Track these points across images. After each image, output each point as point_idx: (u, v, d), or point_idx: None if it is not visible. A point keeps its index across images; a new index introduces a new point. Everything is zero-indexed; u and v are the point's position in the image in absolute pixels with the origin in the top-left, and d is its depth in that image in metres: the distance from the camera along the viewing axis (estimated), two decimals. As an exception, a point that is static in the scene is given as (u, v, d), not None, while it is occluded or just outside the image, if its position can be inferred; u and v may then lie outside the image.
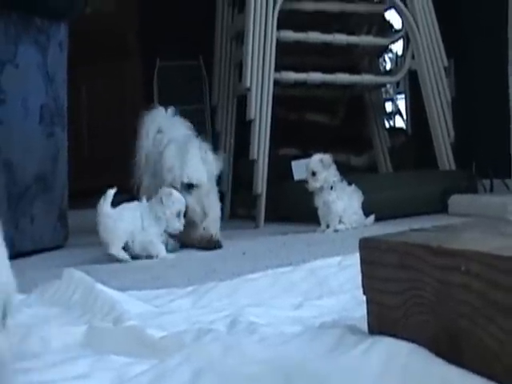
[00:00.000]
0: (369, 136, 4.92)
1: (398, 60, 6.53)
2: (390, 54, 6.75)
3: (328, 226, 3.41)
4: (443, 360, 0.93)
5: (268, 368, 1.01)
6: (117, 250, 2.84)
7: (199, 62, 5.60)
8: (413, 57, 4.26)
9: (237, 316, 1.41)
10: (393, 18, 4.97)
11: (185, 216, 2.96)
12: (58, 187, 3.40)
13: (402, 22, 4.34)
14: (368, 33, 4.58)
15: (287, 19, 3.97)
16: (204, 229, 3.14)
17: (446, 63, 4.25)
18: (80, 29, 3.82)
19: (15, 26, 3.09)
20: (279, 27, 3.91)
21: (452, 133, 4.23)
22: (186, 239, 3.15)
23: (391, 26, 5.02)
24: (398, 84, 5.94)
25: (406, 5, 4.17)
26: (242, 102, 4.15)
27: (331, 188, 3.37)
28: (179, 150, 3.09)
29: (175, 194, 2.94)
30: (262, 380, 0.99)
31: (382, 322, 1.10)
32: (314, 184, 3.36)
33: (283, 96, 4.21)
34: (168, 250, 2.96)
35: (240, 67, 4.16)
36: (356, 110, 4.97)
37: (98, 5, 5.97)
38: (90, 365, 1.19)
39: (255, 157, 3.88)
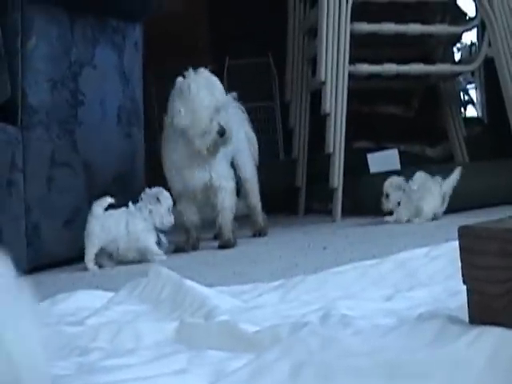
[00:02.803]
0: (443, 126, 4.84)
1: (470, 49, 6.43)
2: (459, 44, 6.65)
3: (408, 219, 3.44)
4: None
5: (370, 361, 0.99)
6: (87, 259, 2.84)
7: (269, 59, 5.58)
8: (489, 44, 4.18)
9: (328, 309, 1.39)
10: (466, 5, 4.88)
11: None
12: (135, 187, 3.42)
13: (477, 9, 4.24)
14: (442, 21, 4.51)
15: (361, 11, 3.93)
16: None
17: (523, 49, 4.15)
18: (151, 30, 3.83)
19: (92, 28, 3.13)
20: (353, 19, 3.88)
21: (531, 120, 4.13)
22: None
23: (464, 13, 4.93)
24: (472, 73, 5.84)
25: (481, -9, 4.09)
26: (316, 96, 4.13)
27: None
28: None
29: (164, 191, 2.97)
30: (365, 373, 0.97)
31: (483, 312, 1.06)
32: (387, 205, 3.49)
33: (356, 89, 4.17)
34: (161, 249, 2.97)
35: (313, 62, 4.14)
36: (430, 100, 4.90)
37: (168, 6, 5.99)
38: (186, 360, 1.18)
39: (331, 150, 3.85)
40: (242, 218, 3.49)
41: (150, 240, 2.93)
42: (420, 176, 3.50)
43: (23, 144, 2.90)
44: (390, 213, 3.50)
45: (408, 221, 3.45)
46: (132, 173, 3.37)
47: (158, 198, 2.94)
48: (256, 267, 2.46)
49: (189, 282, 1.68)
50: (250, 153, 3.52)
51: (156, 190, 2.97)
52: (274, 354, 1.07)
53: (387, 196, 3.48)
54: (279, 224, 3.91)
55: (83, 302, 1.79)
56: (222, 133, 3.00)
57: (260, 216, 3.53)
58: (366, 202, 4.06)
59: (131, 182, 3.37)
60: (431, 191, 3.45)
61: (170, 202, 2.97)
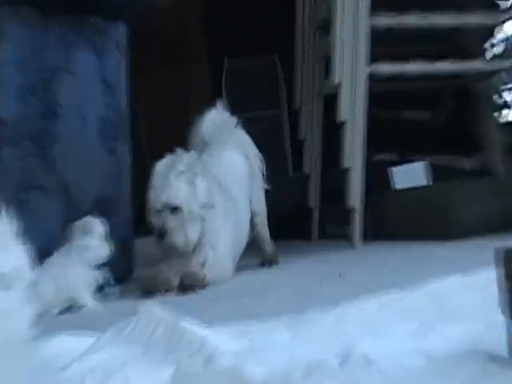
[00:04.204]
0: (480, 134, 4.85)
1: (506, 44, 6.44)
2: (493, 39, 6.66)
3: None
4: None
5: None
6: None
7: (274, 59, 5.59)
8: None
9: (347, 348, 1.40)
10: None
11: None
12: (121, 211, 3.41)
13: (513, -2, 4.28)
14: (473, 11, 4.54)
15: (381, 2, 3.96)
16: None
17: None
18: (135, 29, 3.83)
19: (68, 28, 3.13)
20: (372, 12, 3.90)
21: None
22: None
23: (496, 3, 4.94)
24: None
25: (518, -24, 4.12)
26: (330, 102, 4.14)
27: None
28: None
29: (94, 220, 2.91)
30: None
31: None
32: None
33: (377, 92, 4.19)
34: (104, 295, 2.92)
35: (326, 62, 4.15)
36: (464, 104, 4.91)
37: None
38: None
39: (348, 165, 3.86)
40: (250, 248, 3.52)
41: (85, 289, 2.85)
42: None
43: (-16, 163, 2.92)
44: None
45: None
46: (117, 194, 3.36)
47: (84, 230, 2.86)
48: (261, 301, 2.46)
49: (185, 322, 1.69)
50: (262, 189, 3.63)
51: (84, 220, 2.90)
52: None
53: None
54: (290, 251, 3.91)
55: (66, 344, 1.79)
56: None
57: (269, 245, 3.58)
58: (390, 223, 4.06)
59: (116, 205, 3.36)
60: None
61: (101, 229, 2.90)
